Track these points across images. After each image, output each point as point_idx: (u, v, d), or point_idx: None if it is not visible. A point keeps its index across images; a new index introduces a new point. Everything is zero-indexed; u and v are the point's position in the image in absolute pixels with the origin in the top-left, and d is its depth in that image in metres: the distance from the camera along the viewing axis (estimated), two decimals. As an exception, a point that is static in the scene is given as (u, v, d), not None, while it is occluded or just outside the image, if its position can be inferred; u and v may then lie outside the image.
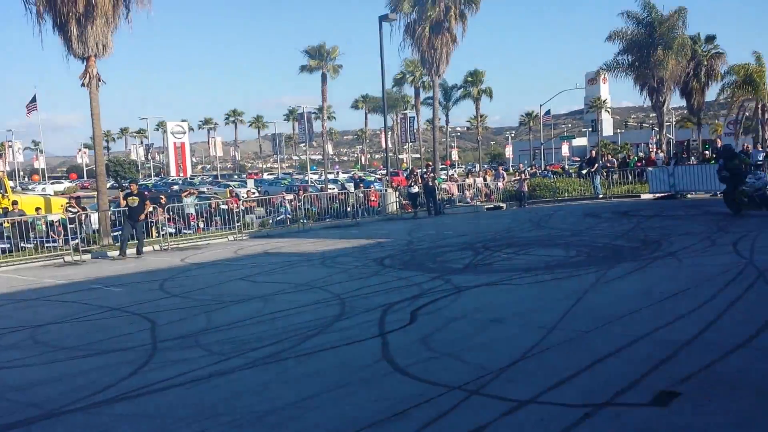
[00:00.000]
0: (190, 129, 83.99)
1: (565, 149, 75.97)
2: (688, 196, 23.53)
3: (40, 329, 8.28)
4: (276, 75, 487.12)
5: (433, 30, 31.79)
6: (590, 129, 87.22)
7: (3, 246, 16.10)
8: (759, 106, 41.39)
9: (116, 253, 16.18)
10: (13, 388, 5.85)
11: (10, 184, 24.73)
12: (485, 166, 62.81)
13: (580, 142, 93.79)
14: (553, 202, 26.24)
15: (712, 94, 40.26)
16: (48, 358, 6.90)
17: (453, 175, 42.93)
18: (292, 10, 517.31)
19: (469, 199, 27.76)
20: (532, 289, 9.14)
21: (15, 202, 19.61)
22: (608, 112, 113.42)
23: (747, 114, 44.40)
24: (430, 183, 24.15)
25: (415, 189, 24.40)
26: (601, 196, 25.75)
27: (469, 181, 29.50)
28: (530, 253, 12.40)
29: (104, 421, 4.92)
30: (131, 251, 16.24)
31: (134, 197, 16.33)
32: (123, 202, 16.64)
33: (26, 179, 79.04)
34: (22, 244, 16.45)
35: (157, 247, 17.46)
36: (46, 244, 16.82)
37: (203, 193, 36.05)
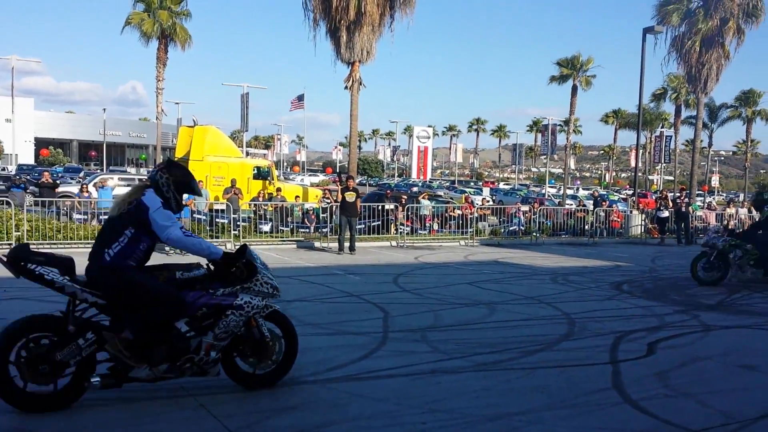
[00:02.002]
0: (435, 134, 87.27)
1: None
2: None
3: (289, 304, 9.17)
4: (523, 86, 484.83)
5: (704, 44, 29.14)
6: None
7: (266, 227, 18.17)
8: None
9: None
10: (264, 351, 6.54)
11: (276, 173, 27.93)
12: (751, 196, 56.06)
13: None
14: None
15: None
16: (294, 330, 7.64)
17: (711, 203, 38.92)
18: (545, 21, 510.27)
19: (726, 231, 24.89)
20: (800, 340, 7.91)
21: (279, 189, 22.10)
22: None
23: None
24: (684, 208, 22.14)
25: (665, 213, 22.54)
26: None
27: (730, 210, 26.47)
28: (800, 300, 10.74)
29: (338, 396, 5.31)
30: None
31: (351, 192, 16.47)
32: (340, 197, 16.79)
33: (288, 170, 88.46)
34: (281, 227, 18.44)
35: (393, 243, 18.41)
36: (300, 229, 18.67)
37: (440, 196, 37.18)
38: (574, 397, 5.41)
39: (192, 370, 4.93)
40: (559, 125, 55.97)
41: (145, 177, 26.75)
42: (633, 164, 37.72)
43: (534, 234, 20.98)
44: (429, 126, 54.24)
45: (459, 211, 21.46)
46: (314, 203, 21.14)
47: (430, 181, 60.21)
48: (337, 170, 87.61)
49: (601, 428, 4.73)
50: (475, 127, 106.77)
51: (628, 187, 77.00)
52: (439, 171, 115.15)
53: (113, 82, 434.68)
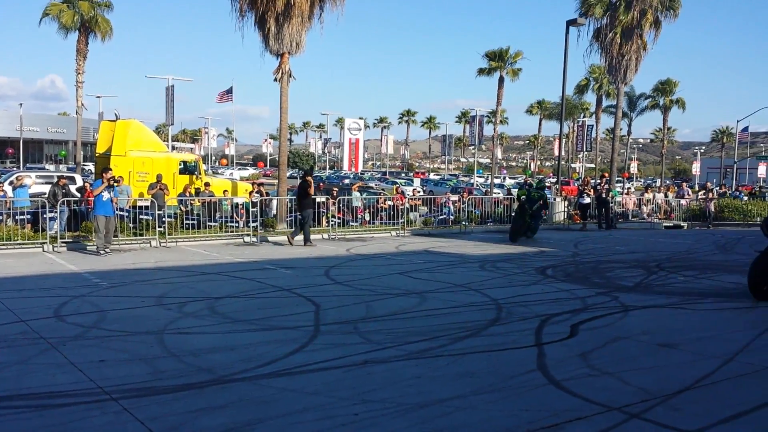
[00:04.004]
0: (366, 126, 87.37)
1: (762, 170, 68.58)
2: None
3: (218, 301, 9.04)
4: (452, 78, 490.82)
5: (624, 36, 30.17)
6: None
7: (192, 222, 17.71)
8: None
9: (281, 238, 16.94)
10: (191, 352, 6.41)
11: (204, 167, 27.29)
12: (667, 182, 58.76)
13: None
14: (743, 226, 23.84)
15: None
16: (223, 328, 7.51)
17: (630, 188, 40.60)
18: (472, 13, 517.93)
19: (645, 215, 26.06)
20: (710, 316, 8.39)
21: (207, 184, 21.60)
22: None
23: None
24: (604, 194, 22.99)
25: (587, 200, 23.35)
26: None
27: (648, 195, 27.69)
28: (712, 278, 11.37)
29: (269, 393, 5.25)
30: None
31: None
32: (312, 190, 16.53)
33: (216, 164, 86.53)
34: (209, 223, 18.02)
35: (325, 236, 18.33)
36: (229, 224, 18.32)
37: (371, 188, 37.28)
38: (502, 380, 5.55)
39: None
40: (487, 116, 56.97)
41: (61, 174, 25.09)
42: (556, 153, 38.89)
43: (463, 223, 21.33)
44: (360, 118, 54.27)
45: (390, 202, 21.58)
46: (244, 197, 20.77)
47: (361, 173, 60.27)
48: (267, 163, 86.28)
49: (527, 410, 4.86)
50: (405, 118, 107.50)
51: (551, 175, 79.36)
52: (370, 163, 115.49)
53: (32, 75, 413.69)
